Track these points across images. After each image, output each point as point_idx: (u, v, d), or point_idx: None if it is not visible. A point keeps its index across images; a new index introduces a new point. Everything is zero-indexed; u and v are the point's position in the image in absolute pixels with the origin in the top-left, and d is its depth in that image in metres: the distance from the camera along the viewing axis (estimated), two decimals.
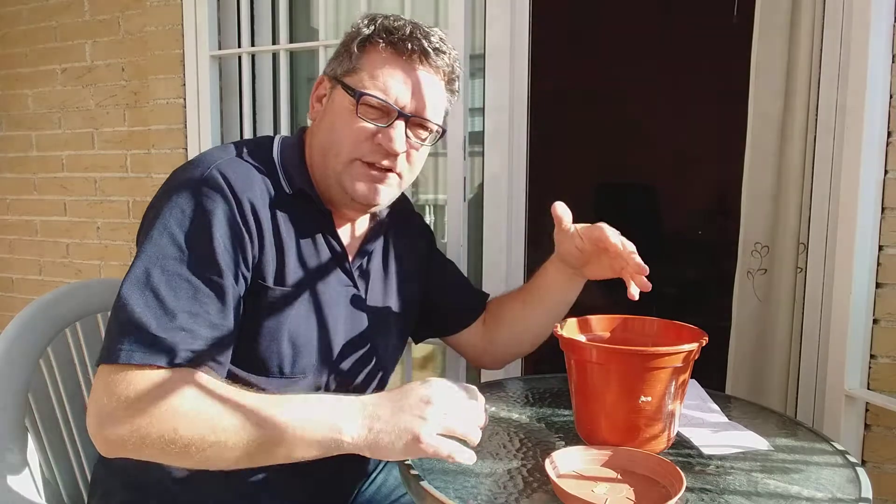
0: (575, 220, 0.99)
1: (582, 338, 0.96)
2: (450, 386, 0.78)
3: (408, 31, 0.89)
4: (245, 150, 0.89)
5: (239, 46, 1.77)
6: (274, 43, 1.83)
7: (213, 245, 0.78)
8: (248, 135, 1.76)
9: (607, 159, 3.91)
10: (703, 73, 3.67)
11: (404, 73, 0.89)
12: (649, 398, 0.79)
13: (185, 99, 1.86)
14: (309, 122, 0.98)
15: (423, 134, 0.93)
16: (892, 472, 1.20)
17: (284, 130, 1.70)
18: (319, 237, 0.92)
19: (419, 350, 2.17)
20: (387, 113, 0.88)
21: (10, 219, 2.40)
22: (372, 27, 0.90)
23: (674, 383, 0.80)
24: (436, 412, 0.73)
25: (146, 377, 0.72)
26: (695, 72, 3.73)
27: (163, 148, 1.93)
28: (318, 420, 0.73)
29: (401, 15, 0.94)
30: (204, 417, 0.72)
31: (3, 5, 2.29)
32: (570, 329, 0.95)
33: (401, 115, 0.88)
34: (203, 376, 0.75)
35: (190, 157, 1.84)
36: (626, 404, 0.81)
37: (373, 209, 0.95)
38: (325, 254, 0.92)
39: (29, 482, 0.93)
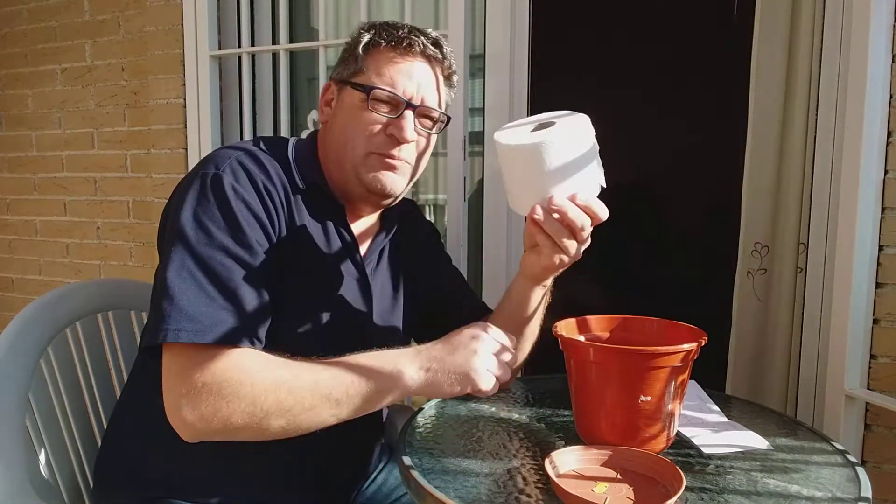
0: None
1: (581, 338, 0.96)
2: (491, 327, 0.86)
3: (406, 30, 0.94)
4: (261, 145, 0.93)
5: (239, 46, 1.77)
6: (274, 43, 1.83)
7: (242, 228, 0.82)
8: (248, 135, 1.76)
9: (606, 159, 3.90)
10: (703, 72, 3.67)
11: (407, 67, 0.93)
12: (649, 398, 0.79)
13: (185, 99, 1.86)
14: (312, 125, 0.99)
15: (429, 123, 0.97)
16: (891, 471, 1.20)
17: (284, 130, 1.70)
18: (332, 228, 0.95)
19: None
20: (395, 105, 0.92)
21: (10, 219, 2.41)
22: (372, 31, 0.95)
23: (673, 383, 0.80)
24: (486, 349, 0.82)
25: (207, 356, 0.75)
26: (695, 71, 3.73)
27: (163, 148, 1.93)
28: (380, 369, 0.79)
29: (398, 21, 0.99)
30: (279, 384, 0.75)
31: (3, 5, 2.29)
32: (569, 329, 0.95)
33: (408, 105, 0.92)
34: (260, 353, 0.79)
35: (190, 158, 1.86)
36: (625, 404, 0.81)
37: (386, 201, 0.98)
38: (337, 244, 0.95)
39: (29, 482, 0.93)
